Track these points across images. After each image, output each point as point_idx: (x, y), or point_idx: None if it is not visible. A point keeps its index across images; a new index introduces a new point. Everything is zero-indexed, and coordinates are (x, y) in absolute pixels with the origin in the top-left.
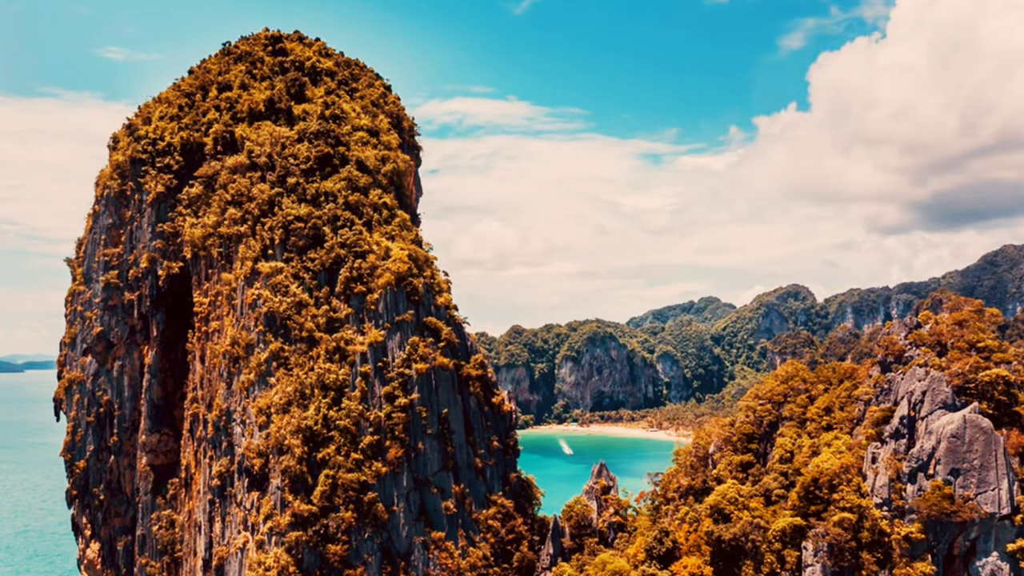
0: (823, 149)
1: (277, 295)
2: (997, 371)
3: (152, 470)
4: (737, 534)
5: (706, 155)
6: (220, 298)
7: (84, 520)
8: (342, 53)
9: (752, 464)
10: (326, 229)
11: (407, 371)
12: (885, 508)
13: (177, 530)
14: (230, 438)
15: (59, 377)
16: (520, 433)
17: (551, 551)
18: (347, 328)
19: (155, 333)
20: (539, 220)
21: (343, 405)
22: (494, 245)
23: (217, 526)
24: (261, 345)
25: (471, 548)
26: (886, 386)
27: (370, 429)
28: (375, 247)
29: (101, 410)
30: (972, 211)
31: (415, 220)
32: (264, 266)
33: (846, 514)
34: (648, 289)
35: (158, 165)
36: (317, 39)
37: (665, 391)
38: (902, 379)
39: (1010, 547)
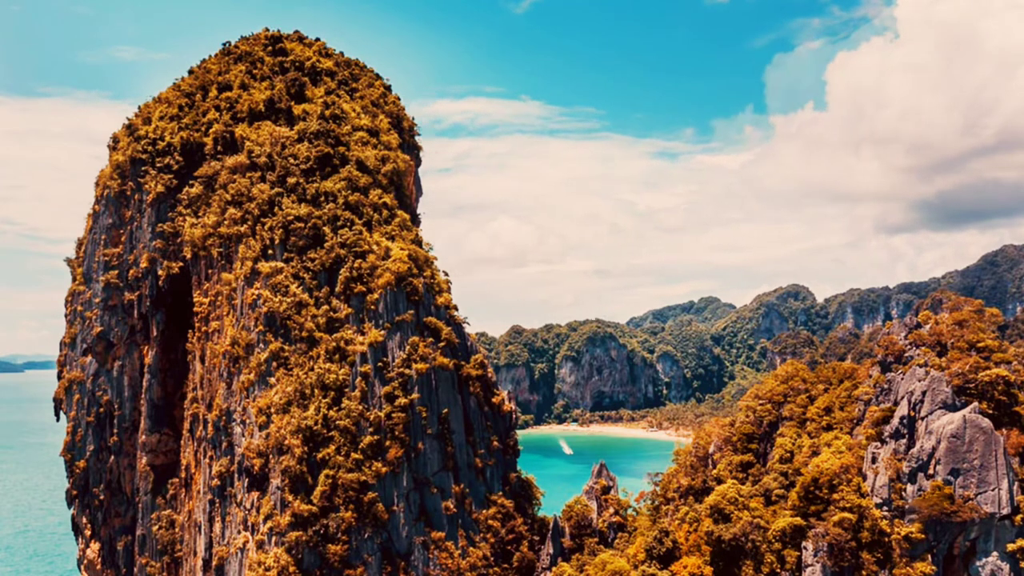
0: (836, 148)
1: (277, 295)
2: (997, 371)
3: (152, 470)
4: (737, 534)
5: (721, 155)
6: (220, 298)
7: (84, 520)
8: (342, 53)
9: (752, 464)
10: (326, 229)
11: (407, 371)
12: (885, 508)
13: (177, 530)
14: (230, 438)
15: (59, 377)
16: (520, 433)
17: (551, 551)
18: (347, 328)
19: (155, 333)
20: (555, 218)
21: (343, 405)
22: (509, 243)
23: (217, 526)
24: (261, 345)
25: (471, 548)
26: (886, 386)
27: (370, 429)
28: (375, 247)
29: (101, 410)
30: (973, 211)
31: (415, 220)
32: (264, 266)
33: (846, 514)
34: (661, 287)
35: (158, 165)
36: (317, 39)
37: (665, 391)
38: (902, 379)
39: (1010, 547)
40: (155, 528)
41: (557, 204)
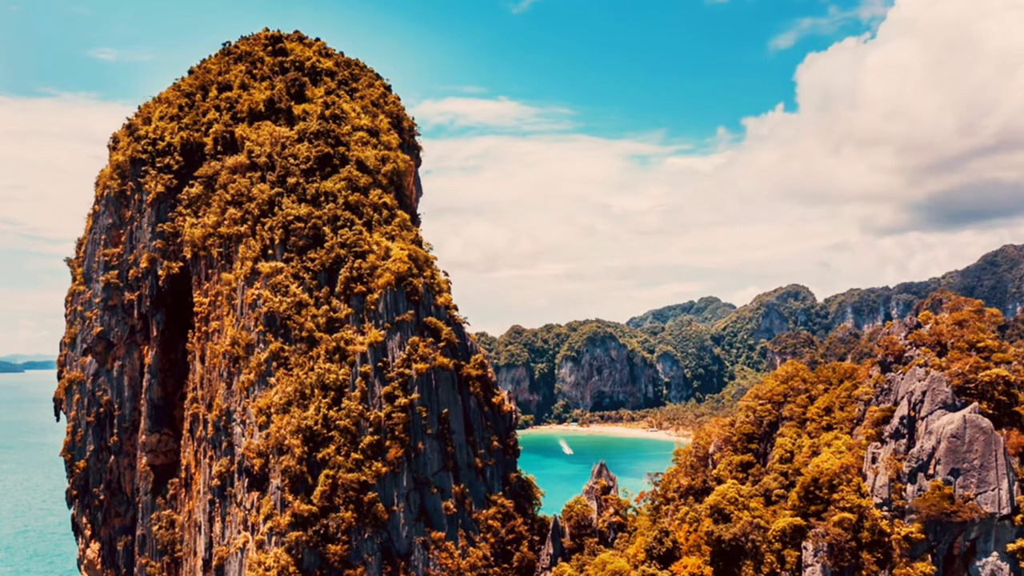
0: (812, 150)
1: (277, 295)
2: (997, 371)
3: (152, 470)
4: (737, 534)
5: (693, 156)
6: (220, 298)
7: (84, 520)
8: (342, 53)
9: (752, 464)
10: (326, 229)
11: (407, 371)
12: (885, 508)
13: (177, 530)
14: (230, 438)
15: (59, 377)
16: (520, 433)
17: (551, 551)
18: (347, 328)
19: (155, 333)
20: (528, 221)
21: (343, 405)
22: (483, 246)
23: (217, 526)
24: (261, 345)
25: (471, 548)
26: (886, 386)
27: (370, 429)
28: (375, 247)
29: (101, 410)
30: (972, 211)
31: (415, 220)
32: (264, 266)
33: (846, 514)
34: (639, 290)
35: (158, 165)
36: (317, 39)
37: (665, 391)
38: (902, 379)
39: (1010, 547)
40: (155, 528)
41: (530, 207)
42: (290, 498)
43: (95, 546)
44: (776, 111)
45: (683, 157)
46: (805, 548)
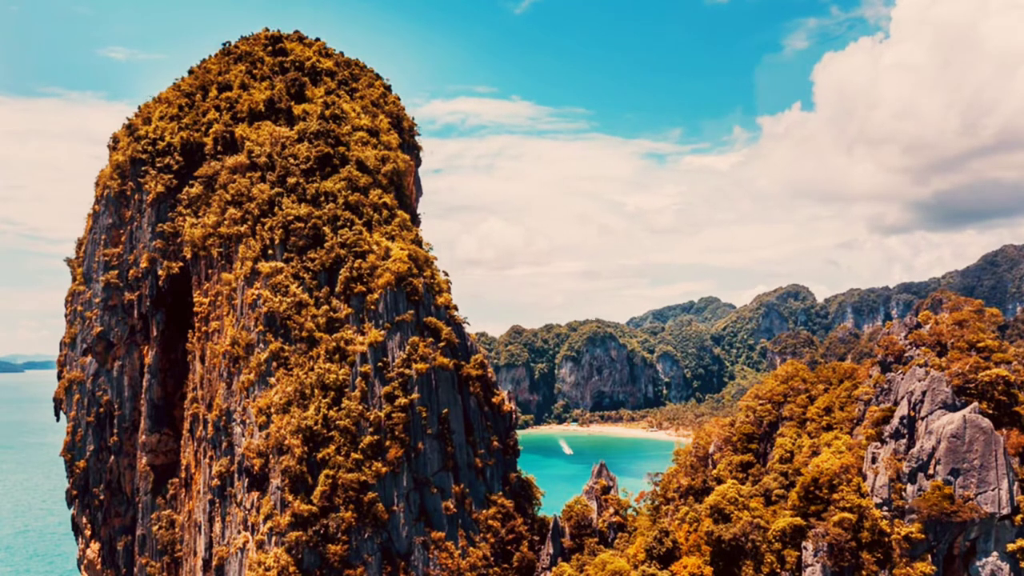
0: (826, 149)
1: (277, 295)
2: (997, 371)
3: (152, 470)
4: (737, 534)
5: (710, 155)
6: (220, 298)
7: (84, 520)
8: (342, 53)
9: (752, 464)
10: (326, 229)
11: (407, 371)
12: (885, 508)
13: (177, 530)
14: (230, 438)
15: (59, 377)
16: (520, 433)
17: (551, 551)
18: (347, 328)
19: (155, 333)
20: (543, 220)
21: (343, 405)
22: (498, 244)
23: (217, 526)
24: (261, 345)
25: (471, 548)
26: (886, 386)
27: (370, 429)
28: (375, 247)
29: (101, 410)
30: (972, 211)
31: (415, 220)
32: (264, 266)
33: (846, 514)
34: (652, 288)
35: (158, 165)
36: (317, 39)
37: (665, 391)
38: (902, 379)
39: (1010, 547)
40: (155, 528)
41: (545, 205)
42: (290, 498)
43: (95, 546)
44: (793, 110)
45: (700, 156)
46: (805, 548)
